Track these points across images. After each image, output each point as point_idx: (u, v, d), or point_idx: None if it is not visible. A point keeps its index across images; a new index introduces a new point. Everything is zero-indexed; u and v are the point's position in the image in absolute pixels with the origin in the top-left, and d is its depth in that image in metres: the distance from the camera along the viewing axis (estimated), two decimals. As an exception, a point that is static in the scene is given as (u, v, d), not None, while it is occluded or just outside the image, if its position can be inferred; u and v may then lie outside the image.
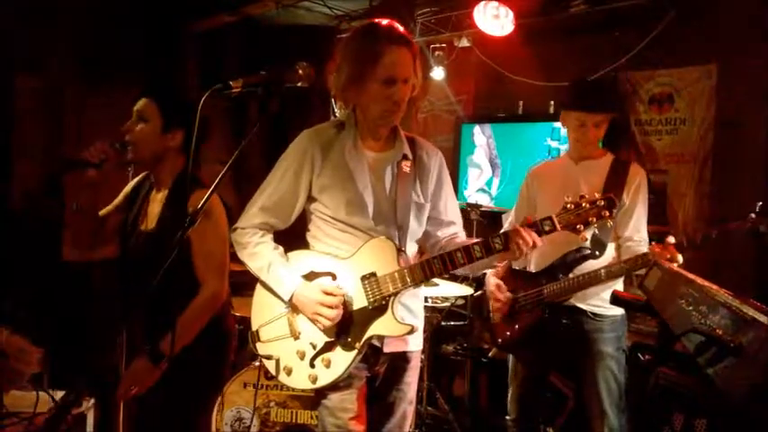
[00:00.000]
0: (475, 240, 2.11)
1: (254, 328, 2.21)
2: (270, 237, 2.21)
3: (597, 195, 2.03)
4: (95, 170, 2.33)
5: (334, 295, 2.07)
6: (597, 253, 2.76)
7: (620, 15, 4.07)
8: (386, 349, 2.17)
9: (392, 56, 2.02)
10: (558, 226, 2.01)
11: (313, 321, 2.09)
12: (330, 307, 2.05)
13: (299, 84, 1.92)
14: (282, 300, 2.15)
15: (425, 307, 3.93)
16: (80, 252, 2.53)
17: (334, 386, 2.11)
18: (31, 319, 3.39)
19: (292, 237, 2.28)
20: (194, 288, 2.33)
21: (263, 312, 2.21)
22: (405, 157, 2.19)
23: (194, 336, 2.29)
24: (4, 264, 4.25)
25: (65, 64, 4.90)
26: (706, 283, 1.45)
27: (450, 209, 2.31)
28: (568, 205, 2.03)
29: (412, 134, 2.29)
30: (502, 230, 2.13)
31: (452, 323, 4.48)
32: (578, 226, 2.01)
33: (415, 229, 2.22)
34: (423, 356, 3.81)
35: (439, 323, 4.27)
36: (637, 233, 2.81)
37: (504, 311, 2.88)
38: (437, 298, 3.98)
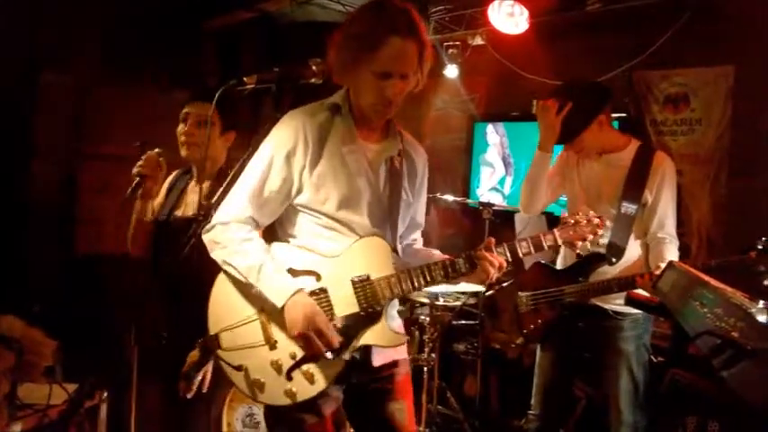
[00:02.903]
0: (441, 256, 2.02)
1: (213, 331, 1.89)
2: (258, 234, 1.93)
3: (592, 214, 2.10)
4: (152, 181, 2.49)
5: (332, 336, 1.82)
6: (614, 259, 2.75)
7: (636, 14, 4.04)
8: (375, 362, 1.94)
9: (393, 48, 1.80)
10: (559, 241, 2.04)
11: (295, 339, 1.82)
12: (327, 341, 1.81)
13: (313, 80, 1.88)
14: (252, 300, 1.88)
15: (437, 305, 3.95)
16: (143, 251, 2.62)
17: (303, 405, 1.86)
18: (46, 312, 3.42)
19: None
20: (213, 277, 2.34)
21: (227, 313, 1.89)
22: (398, 153, 2.02)
23: None
24: (20, 258, 4.29)
25: (86, 62, 4.93)
26: (721, 286, 1.43)
27: (422, 212, 2.17)
28: (569, 221, 2.08)
29: (400, 128, 2.09)
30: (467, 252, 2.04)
31: (463, 322, 4.47)
32: (576, 242, 2.07)
33: (401, 229, 2.05)
34: (434, 355, 3.83)
35: (450, 322, 4.27)
36: (661, 229, 2.77)
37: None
38: (449, 297, 3.97)
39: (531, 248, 1.99)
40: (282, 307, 1.81)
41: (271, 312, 1.86)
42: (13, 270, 4.10)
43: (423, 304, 4.02)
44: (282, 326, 1.85)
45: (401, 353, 2.04)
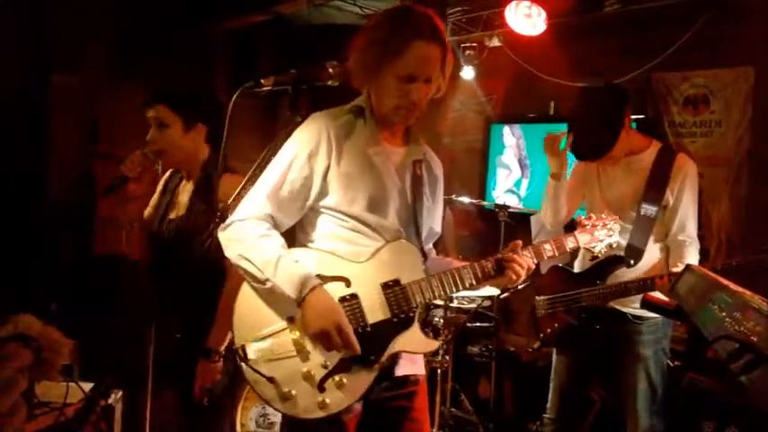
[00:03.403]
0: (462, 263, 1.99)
1: (239, 343, 1.79)
2: (278, 233, 1.85)
3: (604, 216, 2.17)
4: (136, 183, 2.43)
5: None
6: (632, 262, 2.73)
7: (655, 15, 4.01)
8: (398, 372, 1.90)
9: (418, 51, 1.80)
10: (580, 243, 2.09)
11: (316, 338, 1.77)
12: (347, 339, 1.75)
13: (330, 82, 1.88)
14: (279, 309, 1.81)
15: (451, 308, 3.94)
16: (139, 253, 2.62)
17: (328, 418, 1.79)
18: (63, 310, 3.45)
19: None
20: (221, 277, 2.33)
21: (254, 323, 1.81)
22: (421, 159, 2.02)
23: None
24: (37, 257, 4.34)
25: (99, 63, 4.98)
26: (740, 289, 1.41)
27: (440, 220, 2.12)
28: (586, 223, 2.13)
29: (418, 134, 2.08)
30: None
31: (478, 324, 4.46)
32: (594, 245, 2.13)
33: (424, 234, 2.01)
34: (447, 357, 3.83)
35: (464, 324, 4.25)
36: (681, 232, 2.74)
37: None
38: (463, 299, 3.96)
39: (555, 251, 2.01)
40: (301, 301, 1.75)
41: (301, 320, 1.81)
42: (31, 269, 4.15)
43: (437, 306, 4.01)
44: None
45: (420, 367, 2.01)
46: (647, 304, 2.70)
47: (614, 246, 2.17)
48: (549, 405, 3.02)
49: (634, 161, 2.81)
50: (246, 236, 1.80)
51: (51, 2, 4.67)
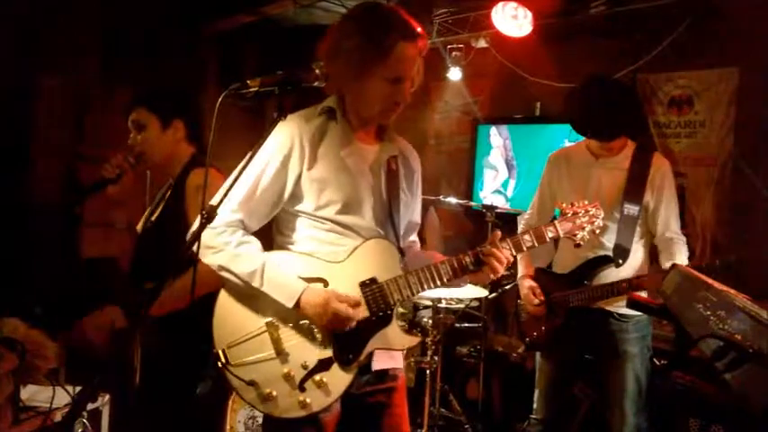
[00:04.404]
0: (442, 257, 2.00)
1: (219, 347, 1.83)
2: (252, 236, 1.88)
3: (586, 203, 2.12)
4: (116, 186, 2.42)
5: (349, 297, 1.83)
6: (621, 261, 2.74)
7: (640, 16, 4.04)
8: (375, 366, 1.92)
9: (405, 53, 1.81)
10: (561, 232, 2.06)
11: (328, 326, 1.81)
12: (352, 305, 1.81)
13: (316, 83, 1.88)
14: (257, 312, 1.84)
15: (439, 308, 3.95)
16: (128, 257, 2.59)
17: (307, 418, 1.83)
18: (49, 313, 3.42)
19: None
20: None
21: (232, 328, 1.84)
22: (396, 154, 2.03)
23: (180, 305, 2.17)
24: (21, 259, 4.30)
25: (86, 65, 4.95)
26: (724, 288, 1.43)
27: (419, 212, 2.16)
28: (568, 213, 2.10)
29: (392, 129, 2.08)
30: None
31: (466, 325, 4.47)
32: (576, 233, 2.09)
33: (402, 230, 2.03)
34: (436, 358, 3.83)
35: (453, 325, 4.26)
36: (667, 230, 2.79)
37: (539, 312, 2.88)
38: (451, 299, 3.96)
39: (535, 241, 2.00)
40: (295, 307, 1.80)
41: (282, 322, 1.84)
42: (16, 272, 4.11)
43: (426, 307, 4.02)
44: (293, 336, 1.84)
45: (398, 361, 2.02)
46: (633, 304, 2.71)
47: (597, 232, 2.16)
48: (535, 406, 3.03)
49: (610, 162, 2.85)
50: (224, 243, 1.81)
51: (37, 3, 4.63)
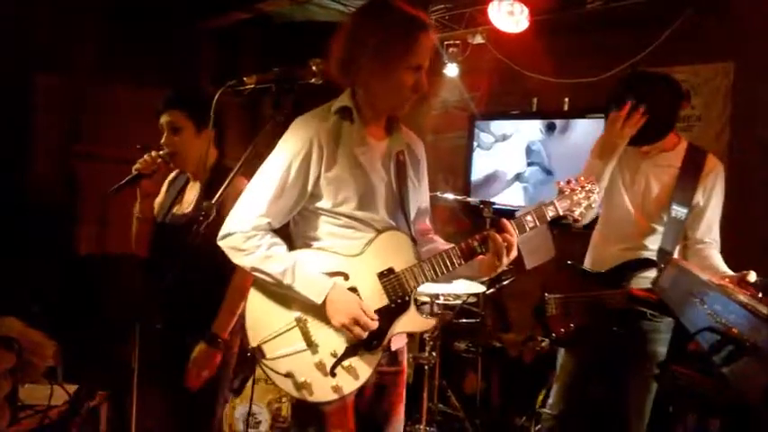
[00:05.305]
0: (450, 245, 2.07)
1: (254, 344, 1.95)
2: (279, 238, 1.98)
3: (582, 179, 2.12)
4: (150, 181, 2.55)
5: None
6: (663, 265, 2.56)
7: (637, 11, 4.03)
8: (393, 347, 2.06)
9: (427, 42, 1.92)
10: (560, 211, 2.08)
11: (344, 327, 1.91)
12: (370, 317, 1.92)
13: (313, 80, 1.89)
14: (288, 309, 1.96)
15: (438, 304, 3.95)
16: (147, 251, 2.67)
17: (331, 403, 1.96)
18: (46, 312, 3.42)
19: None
20: (219, 273, 2.36)
21: (264, 324, 1.97)
22: (404, 148, 2.10)
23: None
24: (19, 257, 4.29)
25: (82, 62, 4.94)
26: (721, 283, 1.43)
27: (427, 197, 2.25)
28: (565, 190, 2.10)
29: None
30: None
31: (464, 320, 4.47)
32: (574, 209, 2.10)
33: (413, 216, 2.12)
34: (434, 354, 3.83)
35: (451, 320, 4.26)
36: (708, 234, 2.66)
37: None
38: (449, 295, 3.97)
39: (537, 221, 2.04)
40: (323, 303, 1.91)
41: (310, 316, 1.95)
42: (13, 271, 4.10)
43: (423, 303, 4.02)
44: (320, 327, 1.95)
45: (403, 339, 2.13)
46: (632, 298, 2.70)
47: (594, 207, 2.13)
48: (551, 401, 2.93)
49: (661, 159, 2.71)
50: (256, 246, 1.92)
51: (35, 1, 4.62)
